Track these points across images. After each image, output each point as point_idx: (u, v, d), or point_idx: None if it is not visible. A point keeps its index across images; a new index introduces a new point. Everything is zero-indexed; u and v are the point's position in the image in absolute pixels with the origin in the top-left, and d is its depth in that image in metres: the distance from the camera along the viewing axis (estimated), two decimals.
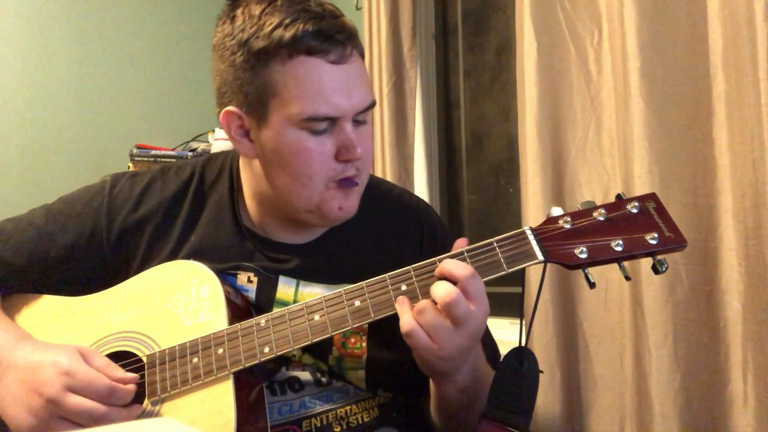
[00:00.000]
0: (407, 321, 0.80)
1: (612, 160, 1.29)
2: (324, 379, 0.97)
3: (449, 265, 0.82)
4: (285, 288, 0.98)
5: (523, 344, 0.86)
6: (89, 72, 2.76)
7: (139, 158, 2.48)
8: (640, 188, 1.14)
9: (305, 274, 0.99)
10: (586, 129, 1.34)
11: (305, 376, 0.96)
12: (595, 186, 1.32)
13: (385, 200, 1.10)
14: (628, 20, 1.16)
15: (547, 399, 1.35)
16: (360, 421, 0.97)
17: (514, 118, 1.52)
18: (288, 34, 0.86)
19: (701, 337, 1.11)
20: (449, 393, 0.91)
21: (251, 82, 0.89)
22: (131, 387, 0.85)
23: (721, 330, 1.08)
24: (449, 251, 1.07)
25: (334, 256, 1.02)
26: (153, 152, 2.50)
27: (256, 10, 0.89)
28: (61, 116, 2.71)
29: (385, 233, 1.06)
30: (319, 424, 0.94)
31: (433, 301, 0.80)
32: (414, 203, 1.14)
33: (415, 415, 1.07)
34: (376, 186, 1.09)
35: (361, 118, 0.93)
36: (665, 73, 1.15)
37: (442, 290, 0.79)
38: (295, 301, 0.97)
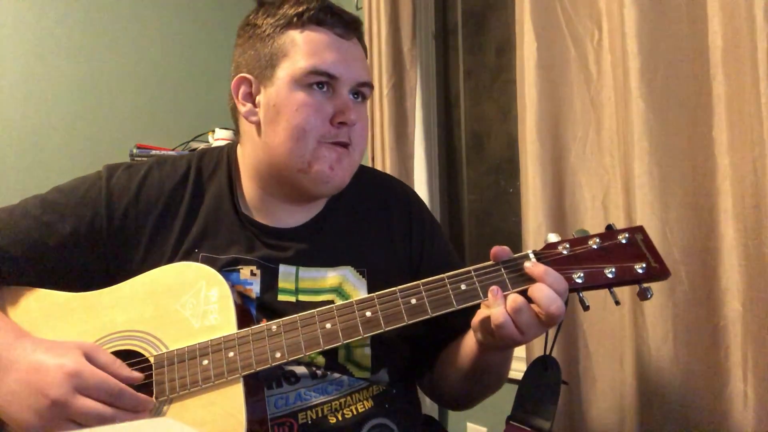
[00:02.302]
0: (500, 314, 0.85)
1: (612, 160, 1.29)
2: (319, 372, 0.98)
3: (552, 279, 0.85)
4: (286, 276, 1.01)
5: (547, 353, 0.93)
6: (89, 72, 2.75)
7: (139, 158, 2.48)
8: (640, 188, 1.14)
9: (303, 259, 1.03)
10: (586, 129, 1.34)
11: (300, 369, 0.98)
12: (595, 186, 1.32)
13: (373, 184, 1.16)
14: (628, 20, 1.17)
15: None
16: (354, 412, 0.99)
17: (514, 118, 1.52)
18: (301, 8, 1.01)
19: (701, 337, 1.11)
20: (493, 357, 0.99)
21: (265, 49, 1.01)
22: (139, 396, 0.86)
23: (721, 330, 1.08)
24: (436, 237, 1.14)
25: (330, 240, 1.06)
26: (153, 152, 2.49)
27: (278, 1, 1.04)
28: (61, 116, 2.70)
29: (375, 215, 1.11)
30: (314, 416, 0.96)
31: (530, 299, 0.85)
32: (401, 189, 1.19)
33: (407, 405, 1.08)
34: (365, 171, 1.14)
35: (360, 90, 1.02)
36: (665, 73, 1.15)
37: (554, 305, 0.84)
38: (296, 288, 1.01)
